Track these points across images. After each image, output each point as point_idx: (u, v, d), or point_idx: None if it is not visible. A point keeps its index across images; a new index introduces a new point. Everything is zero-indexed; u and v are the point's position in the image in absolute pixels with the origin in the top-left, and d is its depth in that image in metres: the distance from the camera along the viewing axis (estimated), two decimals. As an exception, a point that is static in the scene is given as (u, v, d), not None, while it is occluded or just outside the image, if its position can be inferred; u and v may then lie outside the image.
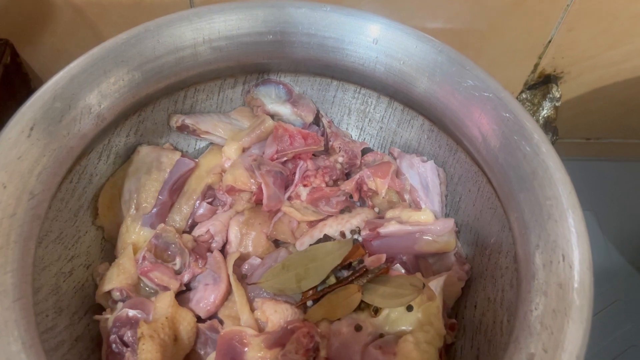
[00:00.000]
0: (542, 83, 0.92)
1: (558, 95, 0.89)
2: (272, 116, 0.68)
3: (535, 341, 0.44)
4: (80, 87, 0.53)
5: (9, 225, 0.45)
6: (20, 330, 0.42)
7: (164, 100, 0.65)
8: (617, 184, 0.91)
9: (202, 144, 0.71)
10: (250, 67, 0.67)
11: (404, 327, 0.54)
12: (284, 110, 0.68)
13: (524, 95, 0.93)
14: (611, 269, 0.77)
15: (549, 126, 0.91)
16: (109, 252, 0.62)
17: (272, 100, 0.68)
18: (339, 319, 0.55)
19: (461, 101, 0.57)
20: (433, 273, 0.62)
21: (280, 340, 0.51)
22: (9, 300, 0.43)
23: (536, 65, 0.89)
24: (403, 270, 0.60)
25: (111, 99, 0.55)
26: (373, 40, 0.61)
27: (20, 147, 0.48)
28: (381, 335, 0.54)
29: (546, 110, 0.90)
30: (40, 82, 0.87)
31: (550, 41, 0.84)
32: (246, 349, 0.51)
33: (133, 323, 0.52)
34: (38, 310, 0.50)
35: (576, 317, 0.44)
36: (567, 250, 0.47)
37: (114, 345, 0.52)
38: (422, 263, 0.62)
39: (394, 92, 0.65)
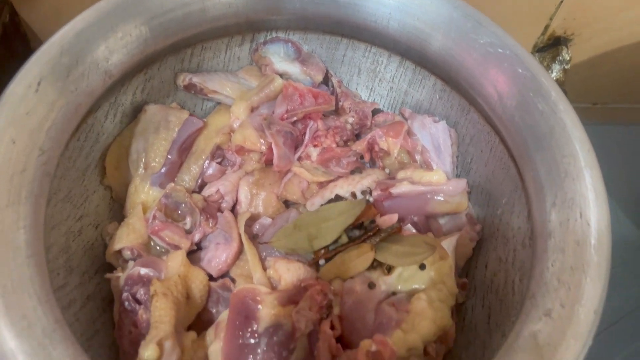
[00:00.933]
0: (551, 46, 0.90)
1: (568, 58, 0.88)
2: (281, 75, 0.67)
3: (552, 298, 0.44)
4: (87, 42, 0.51)
5: (20, 181, 0.44)
6: (35, 286, 0.41)
7: (170, 58, 0.63)
8: (623, 148, 0.91)
9: (209, 104, 0.70)
10: (259, 23, 0.65)
11: (416, 286, 0.54)
12: (293, 69, 0.67)
13: (533, 58, 0.91)
14: (618, 231, 0.78)
15: (558, 89, 0.89)
16: (117, 212, 0.62)
17: (280, 58, 0.67)
18: (352, 277, 0.55)
19: (477, 59, 0.56)
20: (444, 234, 0.62)
21: (293, 297, 0.51)
22: (22, 256, 0.42)
23: (546, 27, 0.87)
24: (414, 231, 0.59)
25: (119, 54, 0.54)
26: (387, -5, 0.59)
27: (28, 103, 0.46)
28: (394, 294, 0.54)
29: (555, 73, 0.89)
30: (40, 43, 0.85)
31: (562, 1, 0.82)
32: (260, 306, 0.51)
33: (145, 281, 0.52)
34: (49, 269, 0.49)
35: (594, 273, 0.44)
36: (584, 208, 0.47)
37: (126, 303, 0.52)
38: (433, 224, 0.62)
39: (406, 50, 0.63)
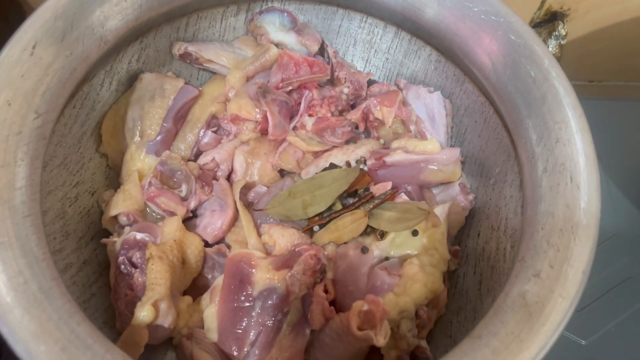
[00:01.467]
0: (547, 21, 0.90)
1: (564, 33, 0.88)
2: (277, 45, 0.67)
3: (541, 259, 0.45)
4: (82, 7, 0.51)
5: (16, 143, 0.45)
6: (32, 245, 0.42)
7: (166, 27, 0.63)
8: (618, 123, 0.91)
9: (205, 75, 0.70)
10: (255, -8, 0.65)
11: (409, 251, 0.55)
12: (289, 39, 0.67)
13: (529, 33, 0.91)
14: (611, 204, 0.78)
15: (554, 65, 0.90)
16: (113, 179, 0.62)
17: (276, 28, 0.67)
18: (345, 243, 0.56)
19: (471, 27, 0.56)
20: (437, 204, 0.62)
21: (287, 262, 0.52)
22: (18, 215, 0.42)
23: (543, 2, 0.87)
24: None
25: (114, 20, 0.54)
26: (382, -38, 0.59)
27: (23, 66, 0.47)
28: (387, 259, 0.55)
29: (551, 48, 0.89)
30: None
31: (558, -25, 0.82)
32: (254, 270, 0.52)
33: (141, 245, 0.53)
34: (46, 233, 0.50)
35: (583, 235, 0.45)
36: (574, 172, 0.48)
37: (122, 267, 0.52)
38: (426, 193, 0.63)
39: (401, 20, 0.63)
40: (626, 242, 0.76)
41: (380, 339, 0.46)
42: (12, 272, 0.40)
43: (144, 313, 0.48)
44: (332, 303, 0.53)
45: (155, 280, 0.50)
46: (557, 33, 0.88)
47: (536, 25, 0.90)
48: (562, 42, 0.88)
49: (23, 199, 0.44)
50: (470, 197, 0.62)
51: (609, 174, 0.83)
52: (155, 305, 0.49)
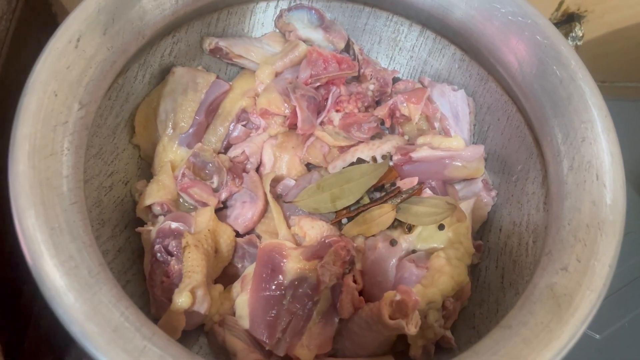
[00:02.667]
0: (564, 22, 0.91)
1: (580, 34, 0.89)
2: (304, 42, 0.68)
3: (568, 253, 0.46)
4: (123, 1, 0.53)
5: (63, 132, 0.46)
6: (79, 231, 0.43)
7: (197, 22, 0.65)
8: (630, 123, 0.93)
9: (233, 69, 0.71)
10: (284, -11, 0.66)
11: (435, 245, 0.57)
12: (316, 36, 0.68)
13: (546, 34, 0.92)
14: (626, 203, 0.80)
15: (570, 65, 0.91)
16: (145, 170, 0.64)
17: (304, 25, 0.68)
18: (373, 236, 0.57)
19: (498, 27, 0.58)
20: (460, 199, 0.64)
21: (318, 252, 0.53)
22: (66, 202, 0.44)
23: (560, 3, 0.88)
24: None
25: (151, 15, 0.55)
26: (411, -38, 0.60)
27: (68, 57, 0.48)
28: (414, 252, 0.57)
29: (568, 49, 0.90)
30: (62, 7, 0.86)
31: (577, -23, 0.83)
32: (285, 260, 0.53)
33: (176, 234, 0.54)
34: (85, 219, 0.51)
35: (609, 230, 0.46)
36: (600, 170, 0.49)
37: (158, 255, 0.54)
38: (449, 189, 0.64)
39: (427, 18, 0.65)
40: (640, 240, 0.78)
41: (412, 328, 0.47)
42: (64, 256, 0.41)
43: (182, 299, 0.49)
44: (361, 293, 0.55)
45: (192, 268, 0.51)
46: (573, 34, 0.89)
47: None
48: (578, 44, 0.90)
49: (70, 187, 0.45)
50: (493, 193, 0.63)
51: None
52: (193, 292, 0.50)
